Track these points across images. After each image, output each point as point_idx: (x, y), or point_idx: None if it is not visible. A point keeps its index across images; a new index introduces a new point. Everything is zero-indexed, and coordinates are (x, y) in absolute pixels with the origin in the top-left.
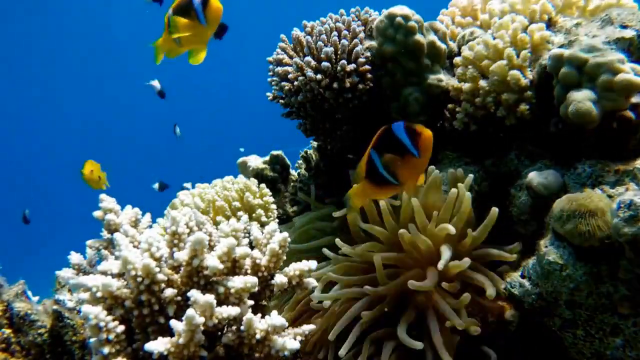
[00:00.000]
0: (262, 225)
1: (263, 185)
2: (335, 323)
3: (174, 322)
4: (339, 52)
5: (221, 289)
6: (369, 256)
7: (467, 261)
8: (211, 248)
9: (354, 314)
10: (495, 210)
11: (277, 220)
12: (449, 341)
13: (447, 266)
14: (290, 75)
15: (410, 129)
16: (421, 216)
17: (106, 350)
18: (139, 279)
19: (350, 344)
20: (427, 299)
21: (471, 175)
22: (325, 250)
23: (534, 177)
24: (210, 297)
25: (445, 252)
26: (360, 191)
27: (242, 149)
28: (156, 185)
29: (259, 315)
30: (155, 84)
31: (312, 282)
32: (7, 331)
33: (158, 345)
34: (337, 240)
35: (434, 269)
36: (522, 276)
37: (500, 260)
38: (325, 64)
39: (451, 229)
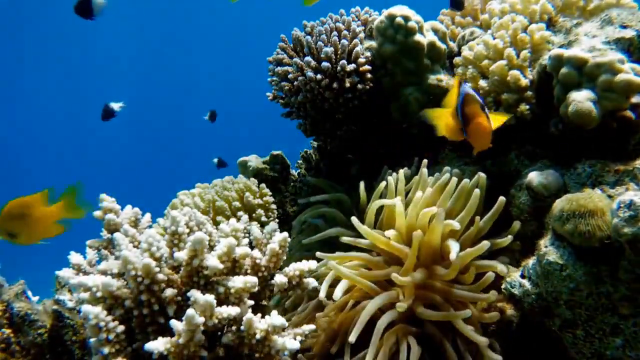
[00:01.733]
0: (262, 225)
1: (263, 185)
2: (349, 321)
3: (174, 322)
4: (339, 52)
5: (221, 289)
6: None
7: (486, 244)
8: (211, 248)
9: (374, 309)
10: (502, 199)
11: (277, 220)
12: (477, 327)
13: (460, 259)
14: (290, 75)
15: (464, 109)
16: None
17: (106, 350)
18: (139, 279)
19: (374, 352)
20: (443, 293)
21: (483, 175)
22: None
23: (534, 177)
24: (210, 297)
25: (454, 245)
26: (448, 116)
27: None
28: (215, 161)
29: (259, 315)
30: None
31: (312, 282)
32: (7, 331)
33: (158, 345)
34: (343, 234)
35: (439, 267)
36: (522, 276)
37: (498, 248)
38: (325, 64)
39: (455, 225)
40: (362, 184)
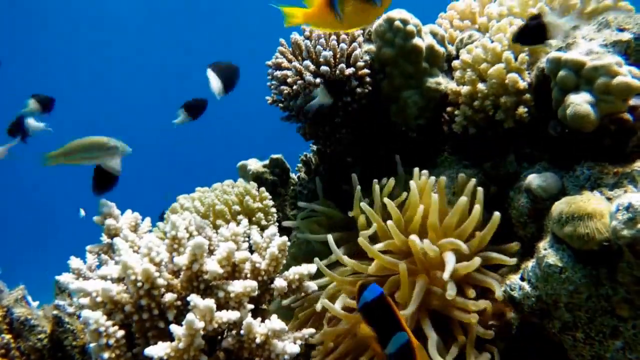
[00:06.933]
0: (262, 229)
1: (263, 188)
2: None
3: (174, 327)
4: (338, 55)
5: (221, 293)
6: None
7: (478, 260)
8: (211, 252)
9: None
10: (497, 215)
11: (276, 224)
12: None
13: (455, 270)
14: (289, 79)
15: None
16: (434, 219)
17: (106, 355)
18: (139, 284)
19: None
20: (444, 303)
21: (473, 180)
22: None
23: (532, 179)
24: (210, 302)
25: (450, 259)
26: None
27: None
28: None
29: (259, 319)
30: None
31: (312, 286)
32: (7, 336)
33: (158, 349)
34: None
35: (439, 272)
36: (522, 279)
37: (500, 263)
38: (324, 67)
39: (463, 247)
40: (357, 190)
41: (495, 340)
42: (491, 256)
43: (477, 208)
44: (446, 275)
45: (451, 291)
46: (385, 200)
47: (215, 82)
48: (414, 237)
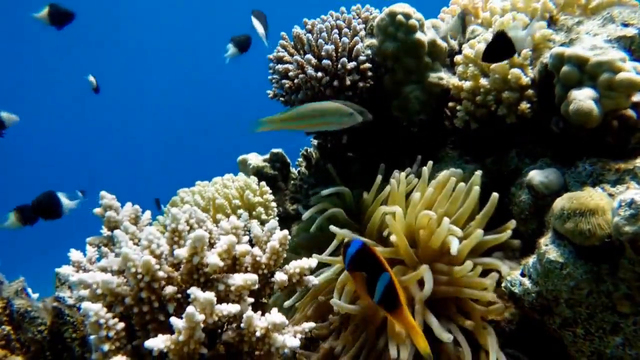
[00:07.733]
0: (262, 223)
1: (263, 183)
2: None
3: (174, 320)
4: (340, 49)
5: (221, 287)
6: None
7: (480, 232)
8: (211, 245)
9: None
10: (495, 195)
11: (277, 218)
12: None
13: (459, 252)
14: (290, 73)
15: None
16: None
17: (106, 347)
18: (139, 276)
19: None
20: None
21: (479, 172)
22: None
23: (534, 175)
24: (210, 295)
25: (454, 241)
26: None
27: None
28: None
29: (259, 312)
30: (92, 79)
31: (312, 279)
32: (7, 328)
33: (158, 342)
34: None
35: (440, 264)
36: (522, 275)
37: (496, 243)
38: (325, 61)
39: (455, 229)
40: (378, 179)
41: (495, 335)
42: (486, 239)
43: (475, 190)
44: (454, 249)
45: (467, 266)
46: (403, 174)
47: (260, 27)
48: (428, 212)
